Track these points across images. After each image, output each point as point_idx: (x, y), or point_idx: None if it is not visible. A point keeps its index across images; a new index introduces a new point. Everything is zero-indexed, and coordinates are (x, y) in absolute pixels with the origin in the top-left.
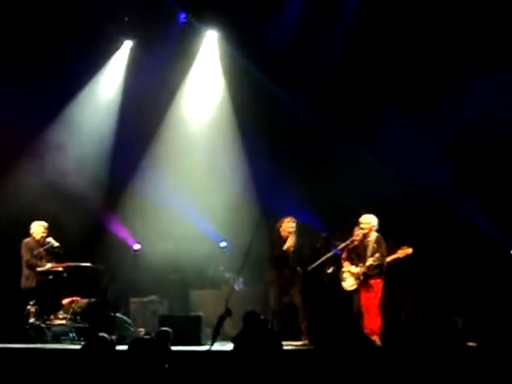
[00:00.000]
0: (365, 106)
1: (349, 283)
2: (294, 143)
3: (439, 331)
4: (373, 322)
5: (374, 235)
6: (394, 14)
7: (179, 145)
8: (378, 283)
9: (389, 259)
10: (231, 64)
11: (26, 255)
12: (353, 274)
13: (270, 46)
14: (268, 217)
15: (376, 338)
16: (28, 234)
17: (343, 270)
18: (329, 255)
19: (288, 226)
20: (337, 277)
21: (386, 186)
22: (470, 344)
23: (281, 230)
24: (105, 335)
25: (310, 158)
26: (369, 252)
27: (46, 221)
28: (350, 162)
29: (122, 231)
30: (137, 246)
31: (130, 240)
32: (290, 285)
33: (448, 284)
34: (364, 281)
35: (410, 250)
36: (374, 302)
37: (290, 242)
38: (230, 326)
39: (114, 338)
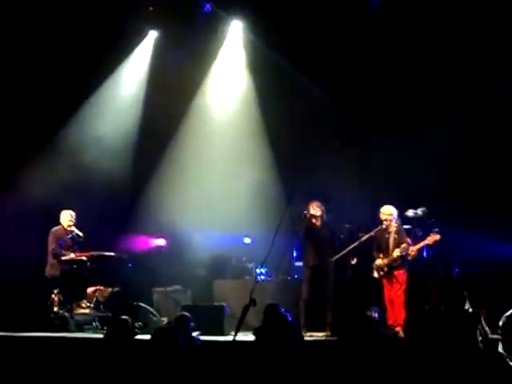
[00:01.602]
0: (391, 101)
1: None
2: (318, 132)
3: (463, 323)
4: (397, 314)
5: (394, 226)
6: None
7: (204, 135)
8: (401, 274)
9: (418, 247)
10: (256, 54)
11: (52, 244)
12: (375, 265)
13: (295, 35)
14: (293, 206)
15: (400, 330)
16: (52, 224)
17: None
18: (353, 246)
19: (312, 209)
20: (360, 268)
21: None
22: (494, 336)
23: (307, 214)
24: (127, 318)
25: (334, 147)
26: (391, 243)
27: (72, 210)
28: (375, 150)
29: (142, 242)
30: (161, 242)
31: (152, 241)
32: (323, 274)
33: (472, 276)
34: (388, 272)
35: (438, 237)
36: (398, 293)
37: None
38: (254, 316)
39: (137, 324)
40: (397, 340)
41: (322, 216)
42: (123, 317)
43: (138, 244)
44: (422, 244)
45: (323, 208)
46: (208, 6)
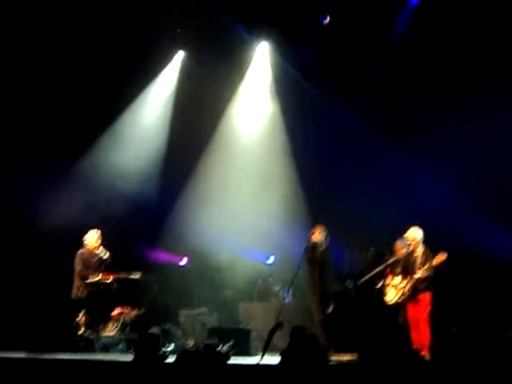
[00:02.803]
0: (417, 122)
1: (390, 296)
2: (344, 155)
3: (491, 346)
4: (422, 337)
5: (421, 248)
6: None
7: (230, 156)
8: (426, 297)
9: (424, 268)
10: (283, 75)
11: (78, 266)
12: (396, 287)
13: (321, 58)
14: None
15: (425, 353)
16: (78, 246)
17: (386, 283)
18: (379, 269)
19: (315, 235)
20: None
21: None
22: None
23: (312, 237)
24: (154, 331)
25: (358, 169)
26: (417, 265)
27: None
28: (398, 174)
29: (162, 255)
30: (183, 261)
31: (174, 258)
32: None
33: (498, 298)
34: (412, 295)
35: (444, 256)
36: (423, 316)
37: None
38: (281, 339)
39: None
40: (423, 364)
41: (325, 241)
42: (153, 330)
43: (161, 258)
44: (427, 266)
45: (326, 232)
46: (239, 27)
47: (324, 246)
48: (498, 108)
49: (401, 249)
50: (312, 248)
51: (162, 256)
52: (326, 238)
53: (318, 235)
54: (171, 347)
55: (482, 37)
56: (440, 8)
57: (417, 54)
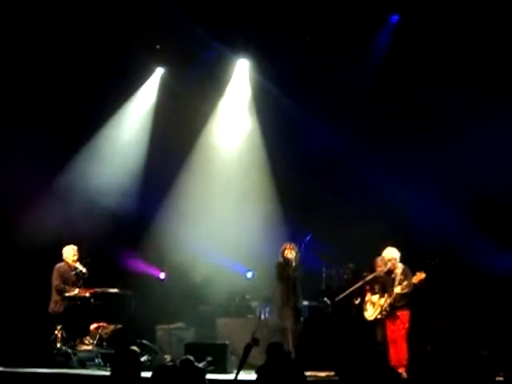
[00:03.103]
0: (393, 136)
1: (369, 313)
2: (323, 171)
3: (467, 365)
4: (400, 354)
5: (400, 267)
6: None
7: (209, 172)
8: (404, 315)
9: (402, 286)
10: (262, 92)
11: (56, 280)
12: (374, 305)
13: (301, 75)
14: (297, 245)
15: (402, 371)
16: (55, 260)
17: (366, 299)
18: (356, 286)
19: (286, 252)
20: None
21: (408, 215)
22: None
23: (284, 253)
24: (135, 348)
25: (337, 185)
26: (396, 283)
27: (76, 245)
28: (375, 190)
29: (143, 268)
30: (162, 275)
31: (152, 271)
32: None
33: (474, 317)
34: (390, 312)
35: (423, 275)
36: (400, 333)
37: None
38: (257, 355)
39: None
40: (400, 381)
41: (296, 257)
42: (132, 348)
43: (140, 268)
44: (406, 283)
45: (297, 249)
46: (219, 44)
47: (295, 262)
48: (476, 119)
49: (381, 266)
50: (284, 265)
51: (141, 267)
52: (297, 254)
53: (290, 252)
54: (144, 358)
55: (457, 51)
56: (418, 25)
57: (395, 70)
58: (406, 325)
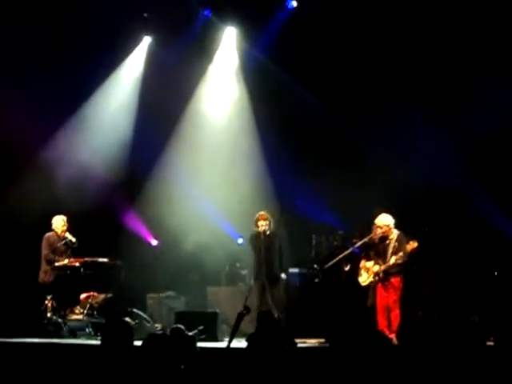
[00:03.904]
0: (386, 104)
1: (363, 278)
2: (313, 139)
3: (458, 330)
4: (391, 320)
5: (395, 233)
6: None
7: (198, 139)
8: (398, 281)
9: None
10: (250, 60)
11: (45, 250)
12: (368, 270)
13: (288, 41)
14: (287, 213)
15: (393, 337)
16: (44, 230)
17: (360, 265)
18: (346, 253)
19: (261, 224)
20: (354, 275)
21: (405, 183)
22: (489, 343)
23: (258, 224)
24: (128, 321)
25: (328, 153)
26: (390, 250)
27: (65, 215)
28: (369, 159)
29: (139, 227)
30: (154, 242)
31: (147, 236)
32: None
33: (465, 282)
34: (384, 279)
35: (415, 244)
36: (393, 299)
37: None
38: (248, 324)
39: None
40: (390, 347)
41: (270, 227)
42: (125, 319)
43: (136, 228)
44: (401, 253)
45: (270, 218)
46: (207, 11)
47: (269, 231)
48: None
49: (377, 229)
50: (256, 235)
51: (138, 228)
52: (271, 223)
53: (263, 221)
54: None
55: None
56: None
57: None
58: (399, 291)
